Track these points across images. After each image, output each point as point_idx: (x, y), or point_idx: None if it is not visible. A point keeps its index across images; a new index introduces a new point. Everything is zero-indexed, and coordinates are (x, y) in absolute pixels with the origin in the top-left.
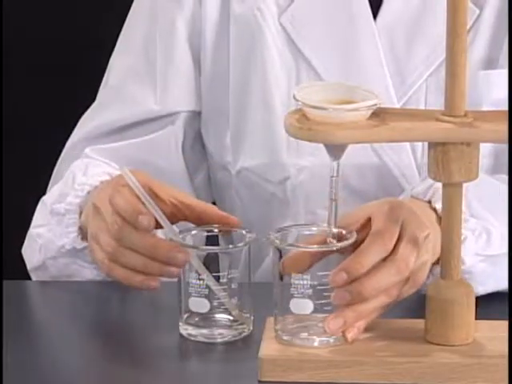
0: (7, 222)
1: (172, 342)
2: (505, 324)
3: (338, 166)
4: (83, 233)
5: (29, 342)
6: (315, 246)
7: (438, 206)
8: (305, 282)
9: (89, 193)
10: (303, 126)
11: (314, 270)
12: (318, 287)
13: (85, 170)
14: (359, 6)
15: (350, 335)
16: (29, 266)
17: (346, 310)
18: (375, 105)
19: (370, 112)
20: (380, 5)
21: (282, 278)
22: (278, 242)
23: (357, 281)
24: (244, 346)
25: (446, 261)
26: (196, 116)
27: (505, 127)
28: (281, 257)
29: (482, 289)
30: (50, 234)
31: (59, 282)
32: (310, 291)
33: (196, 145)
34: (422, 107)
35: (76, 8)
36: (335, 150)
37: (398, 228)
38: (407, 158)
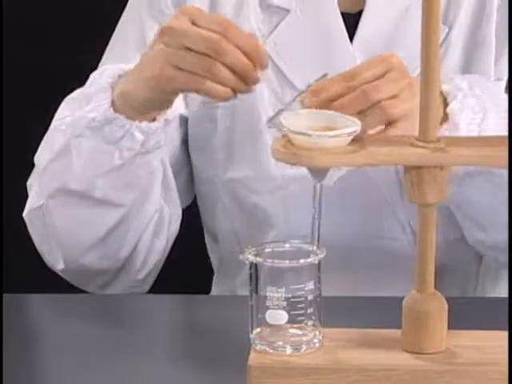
0: (7, 233)
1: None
2: (478, 333)
3: (321, 187)
4: (114, 106)
5: (30, 356)
6: (288, 261)
7: (452, 105)
8: (279, 295)
9: (120, 76)
10: (289, 151)
11: (288, 283)
12: (292, 299)
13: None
14: (336, 30)
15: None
16: (49, 156)
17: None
18: (355, 131)
19: (350, 138)
20: (356, 26)
21: (257, 292)
22: (252, 257)
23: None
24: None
25: (421, 275)
26: (184, 121)
27: (474, 152)
28: (256, 272)
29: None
30: (79, 113)
31: (63, 296)
32: (285, 303)
33: (182, 147)
34: None
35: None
36: (318, 173)
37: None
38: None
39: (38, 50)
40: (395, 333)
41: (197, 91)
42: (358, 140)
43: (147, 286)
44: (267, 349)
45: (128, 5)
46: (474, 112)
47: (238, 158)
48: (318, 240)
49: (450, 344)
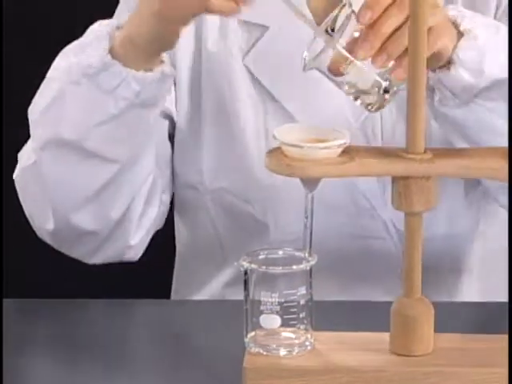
0: (7, 239)
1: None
2: (463, 336)
3: (313, 197)
4: (113, 54)
5: (31, 362)
6: (281, 267)
7: (463, 27)
8: (273, 300)
9: (118, 27)
10: (282, 162)
11: (281, 289)
12: (285, 304)
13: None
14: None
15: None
16: (43, 104)
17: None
18: (345, 143)
19: (340, 150)
20: None
21: (251, 296)
22: (246, 263)
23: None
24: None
25: (408, 281)
26: (168, 117)
27: (461, 163)
28: (251, 277)
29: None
30: (75, 60)
31: (63, 301)
32: (278, 308)
33: (166, 143)
34: (378, 125)
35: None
36: (310, 183)
37: None
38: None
39: (38, 50)
40: (384, 336)
41: (202, 12)
42: (347, 152)
43: (138, 254)
44: (261, 351)
45: None
46: (487, 26)
47: (225, 167)
48: (310, 247)
49: (436, 347)
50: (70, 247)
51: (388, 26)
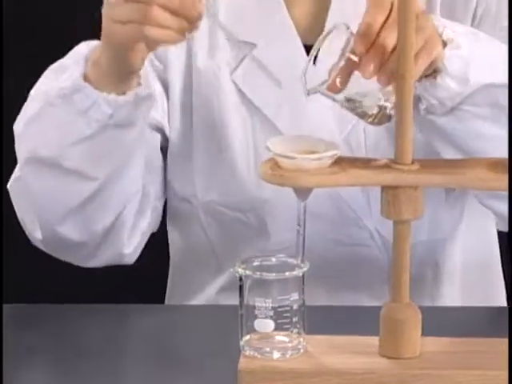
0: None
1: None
2: (449, 340)
3: (305, 206)
4: (86, 77)
5: (25, 367)
6: (274, 274)
7: (445, 36)
8: (267, 305)
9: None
10: (276, 172)
11: (275, 294)
12: (279, 309)
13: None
14: (299, 61)
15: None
16: (24, 121)
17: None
18: (335, 154)
19: (331, 161)
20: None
21: (246, 302)
22: (241, 270)
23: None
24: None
25: (396, 287)
26: (165, 138)
27: (447, 173)
28: (246, 283)
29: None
30: (54, 82)
31: (57, 306)
32: (272, 312)
33: (156, 152)
34: (362, 138)
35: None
36: (302, 192)
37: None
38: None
39: (38, 50)
40: (373, 339)
41: (142, 40)
42: (337, 163)
43: (134, 258)
44: (256, 354)
45: None
46: (467, 34)
47: (216, 181)
48: (303, 254)
49: (423, 350)
50: (62, 255)
51: (387, 47)
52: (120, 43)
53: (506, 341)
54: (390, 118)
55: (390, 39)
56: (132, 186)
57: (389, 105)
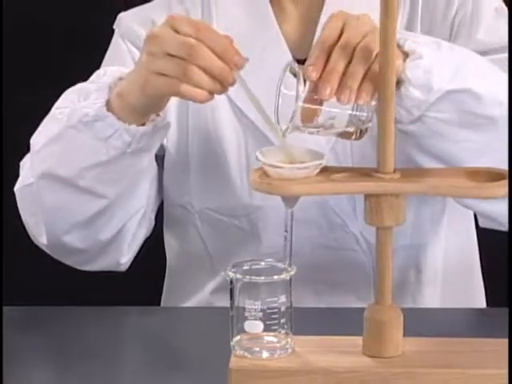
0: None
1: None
2: (429, 340)
3: (292, 213)
4: (109, 106)
5: (21, 368)
6: (263, 277)
7: (407, 47)
8: (256, 307)
9: (120, 79)
10: (264, 181)
11: (264, 297)
12: (267, 311)
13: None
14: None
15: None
16: (44, 140)
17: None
18: (321, 164)
19: (317, 170)
20: None
21: (236, 304)
22: (232, 274)
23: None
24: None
25: (380, 289)
26: (162, 148)
27: (427, 182)
28: (236, 286)
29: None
30: (76, 106)
31: (53, 309)
32: (261, 314)
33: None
34: (348, 148)
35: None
36: (290, 200)
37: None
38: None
39: (38, 50)
40: (357, 340)
41: (176, 94)
42: (323, 172)
43: (127, 266)
44: (246, 354)
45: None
46: (429, 44)
47: (211, 190)
48: (290, 259)
49: (405, 349)
50: (63, 258)
51: (340, 67)
52: (154, 93)
53: (484, 340)
54: (366, 130)
55: (340, 61)
56: (138, 203)
57: (362, 118)
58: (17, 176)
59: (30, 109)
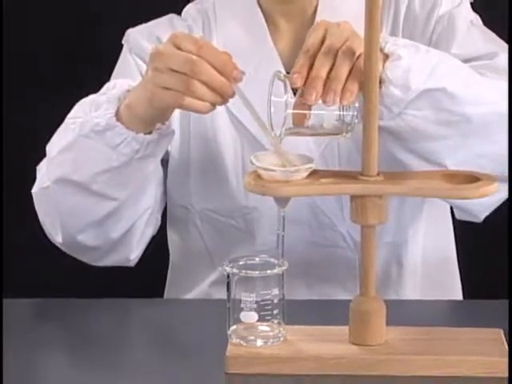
0: (7, 241)
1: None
2: (410, 329)
3: (284, 213)
4: (118, 116)
5: (27, 360)
6: (258, 272)
7: (387, 49)
8: (251, 299)
9: (128, 91)
10: (258, 183)
11: (258, 289)
12: (261, 302)
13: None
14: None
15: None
16: (58, 147)
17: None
18: (311, 168)
19: (307, 173)
20: None
21: (233, 296)
22: (229, 268)
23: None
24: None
25: (364, 282)
26: (167, 153)
27: (409, 183)
28: (232, 280)
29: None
30: (88, 117)
31: (59, 301)
32: (255, 305)
33: (160, 172)
34: (336, 153)
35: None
36: (282, 201)
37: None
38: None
39: (38, 50)
40: (344, 329)
41: (180, 107)
42: (313, 175)
43: (135, 262)
44: (241, 342)
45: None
46: (408, 46)
47: (209, 192)
48: (282, 255)
49: (388, 338)
50: (77, 255)
51: (323, 72)
52: (160, 105)
53: (460, 329)
54: (353, 127)
55: (324, 66)
56: (146, 204)
57: (348, 117)
58: (34, 179)
59: (46, 118)
